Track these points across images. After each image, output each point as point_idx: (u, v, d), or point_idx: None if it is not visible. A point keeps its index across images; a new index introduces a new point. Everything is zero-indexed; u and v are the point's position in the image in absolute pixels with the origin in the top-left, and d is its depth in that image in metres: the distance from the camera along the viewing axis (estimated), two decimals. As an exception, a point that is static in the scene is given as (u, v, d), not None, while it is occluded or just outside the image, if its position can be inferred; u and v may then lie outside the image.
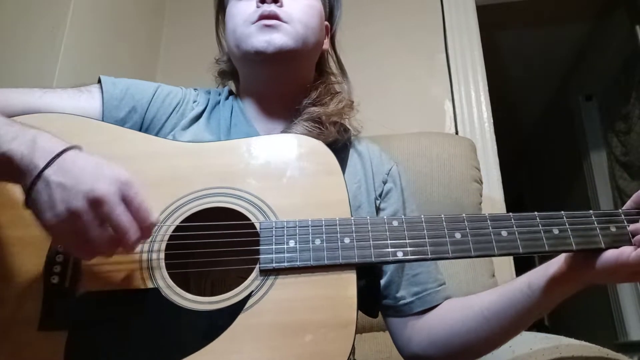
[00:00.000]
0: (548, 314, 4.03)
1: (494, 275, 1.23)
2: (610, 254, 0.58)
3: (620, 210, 0.61)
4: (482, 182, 1.32)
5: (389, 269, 0.76)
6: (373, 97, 1.75)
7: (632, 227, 0.59)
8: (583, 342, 0.75)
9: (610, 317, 2.80)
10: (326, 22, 0.88)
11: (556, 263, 0.62)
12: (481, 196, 1.29)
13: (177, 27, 1.97)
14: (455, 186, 1.25)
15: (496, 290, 0.68)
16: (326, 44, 0.89)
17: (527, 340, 0.79)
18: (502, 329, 0.67)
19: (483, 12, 1.92)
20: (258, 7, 0.78)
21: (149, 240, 0.60)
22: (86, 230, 0.51)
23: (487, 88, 1.78)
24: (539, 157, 4.05)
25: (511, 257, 1.49)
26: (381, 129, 1.45)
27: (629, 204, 0.62)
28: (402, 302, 0.75)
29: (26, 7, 1.33)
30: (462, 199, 1.25)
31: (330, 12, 0.89)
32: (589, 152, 3.07)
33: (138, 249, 0.59)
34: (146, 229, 0.54)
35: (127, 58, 1.67)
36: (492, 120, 1.74)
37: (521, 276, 0.66)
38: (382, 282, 0.76)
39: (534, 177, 4.18)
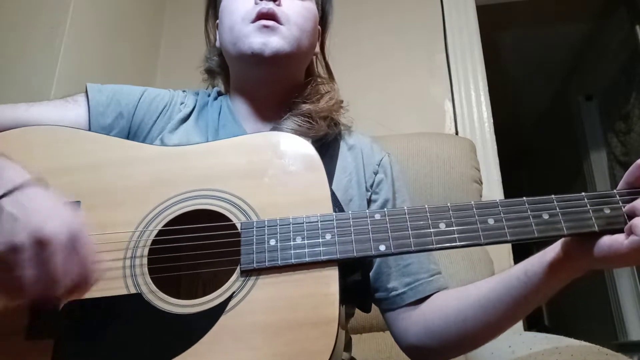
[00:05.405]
0: (548, 314, 4.03)
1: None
2: (604, 241, 0.55)
3: (614, 191, 0.58)
4: (482, 183, 1.32)
5: (376, 261, 0.75)
6: (373, 97, 1.75)
7: (627, 207, 0.56)
8: (583, 342, 0.75)
9: (610, 317, 2.80)
10: (318, 27, 0.88)
11: (553, 250, 0.60)
12: (481, 197, 1.30)
13: (177, 26, 1.97)
14: (455, 186, 1.25)
15: (493, 278, 0.67)
16: (317, 48, 0.89)
17: (527, 341, 0.79)
18: (498, 317, 0.66)
19: (483, 12, 1.92)
20: (257, 3, 0.77)
21: (131, 246, 0.60)
22: (18, 267, 0.48)
23: (487, 88, 1.78)
24: (539, 157, 4.05)
25: (510, 256, 1.49)
26: (381, 129, 1.45)
27: (621, 184, 0.59)
28: (394, 293, 0.74)
29: (26, 7, 1.33)
30: (462, 199, 1.25)
31: (322, 16, 0.89)
32: (589, 152, 3.07)
33: (121, 255, 0.59)
34: (83, 281, 0.51)
35: (127, 58, 1.67)
36: (492, 120, 1.74)
37: (518, 264, 0.65)
38: (371, 274, 0.75)
39: (534, 177, 4.18)
